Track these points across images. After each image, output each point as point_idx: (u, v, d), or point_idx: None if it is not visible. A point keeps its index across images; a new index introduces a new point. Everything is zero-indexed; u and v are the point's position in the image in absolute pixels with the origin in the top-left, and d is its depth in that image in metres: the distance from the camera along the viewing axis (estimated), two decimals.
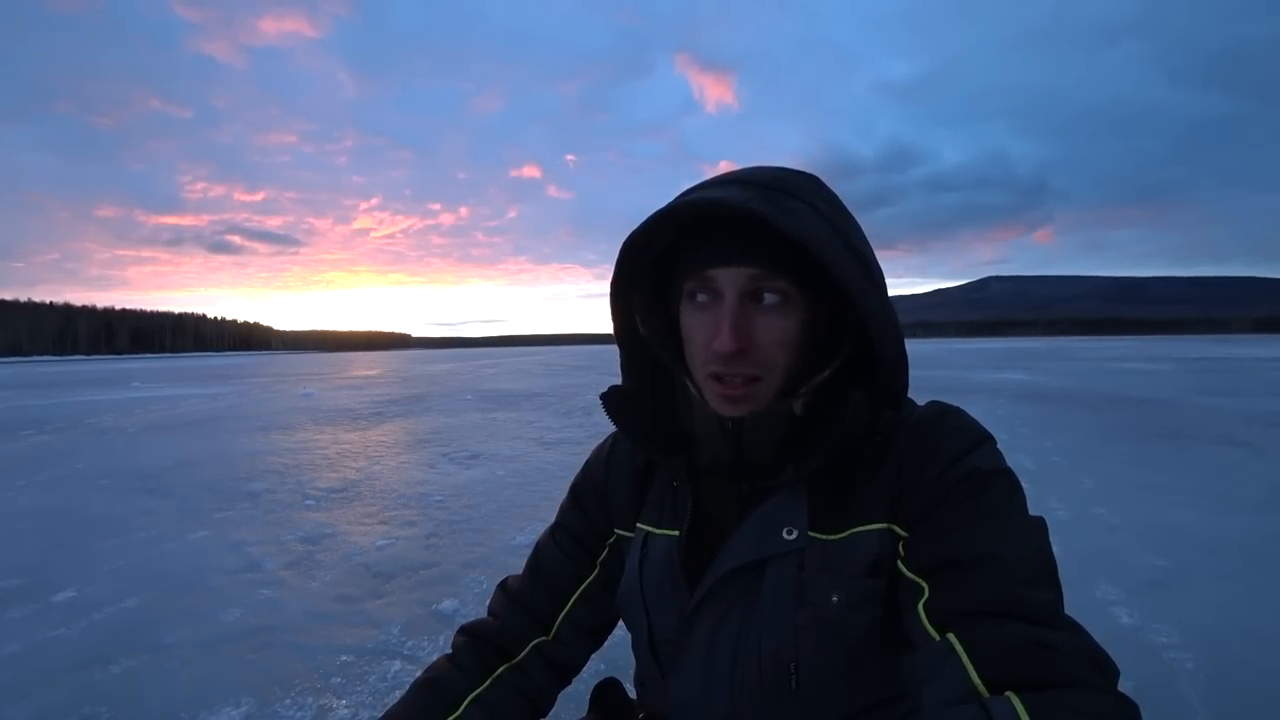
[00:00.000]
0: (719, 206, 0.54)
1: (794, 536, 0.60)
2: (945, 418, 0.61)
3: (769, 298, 0.57)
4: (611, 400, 0.67)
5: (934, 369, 19.96)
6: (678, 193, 0.59)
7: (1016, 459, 5.19)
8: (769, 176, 0.58)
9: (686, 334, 0.61)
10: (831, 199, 0.60)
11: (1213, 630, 2.37)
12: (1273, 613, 2.51)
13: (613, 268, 0.64)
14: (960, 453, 0.58)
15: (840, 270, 0.54)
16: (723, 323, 0.56)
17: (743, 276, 0.56)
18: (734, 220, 0.56)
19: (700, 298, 0.59)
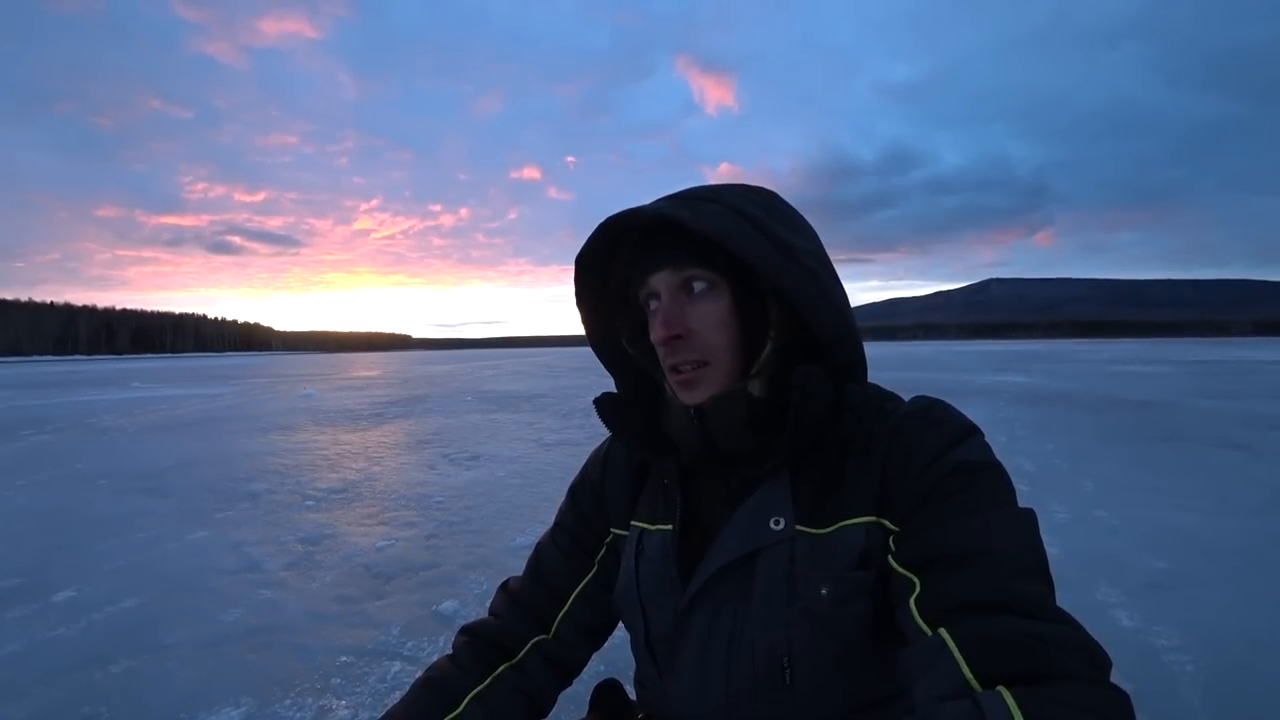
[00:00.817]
0: (632, 217, 0.62)
1: (781, 526, 0.60)
2: (931, 411, 0.62)
3: (697, 286, 0.62)
4: (604, 406, 0.71)
5: (934, 371, 19.95)
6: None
7: (1017, 461, 5.17)
8: (701, 189, 0.64)
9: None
10: (763, 202, 0.64)
11: (1213, 632, 2.37)
12: (1273, 615, 2.51)
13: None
14: (947, 445, 0.58)
15: (745, 251, 0.57)
16: (657, 316, 0.62)
17: (669, 274, 0.63)
18: (660, 231, 0.62)
19: (652, 304, 0.64)
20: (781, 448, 0.60)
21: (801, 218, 0.66)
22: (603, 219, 0.64)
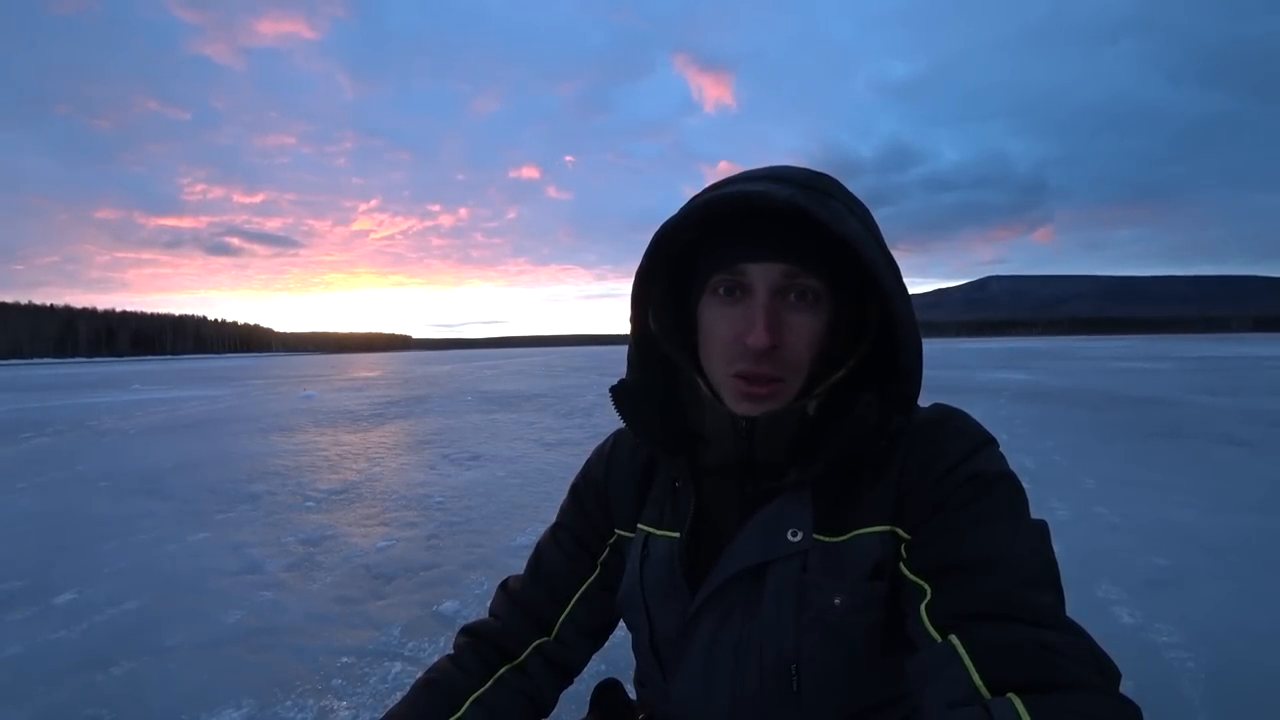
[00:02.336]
0: (762, 200, 0.54)
1: (799, 539, 0.59)
2: (948, 421, 0.61)
3: (800, 296, 0.57)
4: (620, 395, 0.67)
5: (934, 369, 19.90)
6: (682, 193, 0.59)
7: (1017, 458, 5.19)
8: (802, 175, 0.59)
9: (707, 329, 0.61)
10: (858, 200, 0.61)
11: (1214, 629, 2.37)
12: (1273, 611, 2.50)
13: (639, 261, 0.63)
14: (963, 456, 0.57)
15: (878, 271, 0.54)
16: (756, 318, 0.56)
17: (776, 272, 0.57)
18: (768, 216, 0.56)
19: (728, 292, 0.59)
20: (812, 469, 0.58)
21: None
22: (703, 194, 0.57)
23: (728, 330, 0.58)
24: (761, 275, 0.57)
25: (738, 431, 0.60)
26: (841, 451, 0.58)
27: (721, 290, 0.59)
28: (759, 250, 0.57)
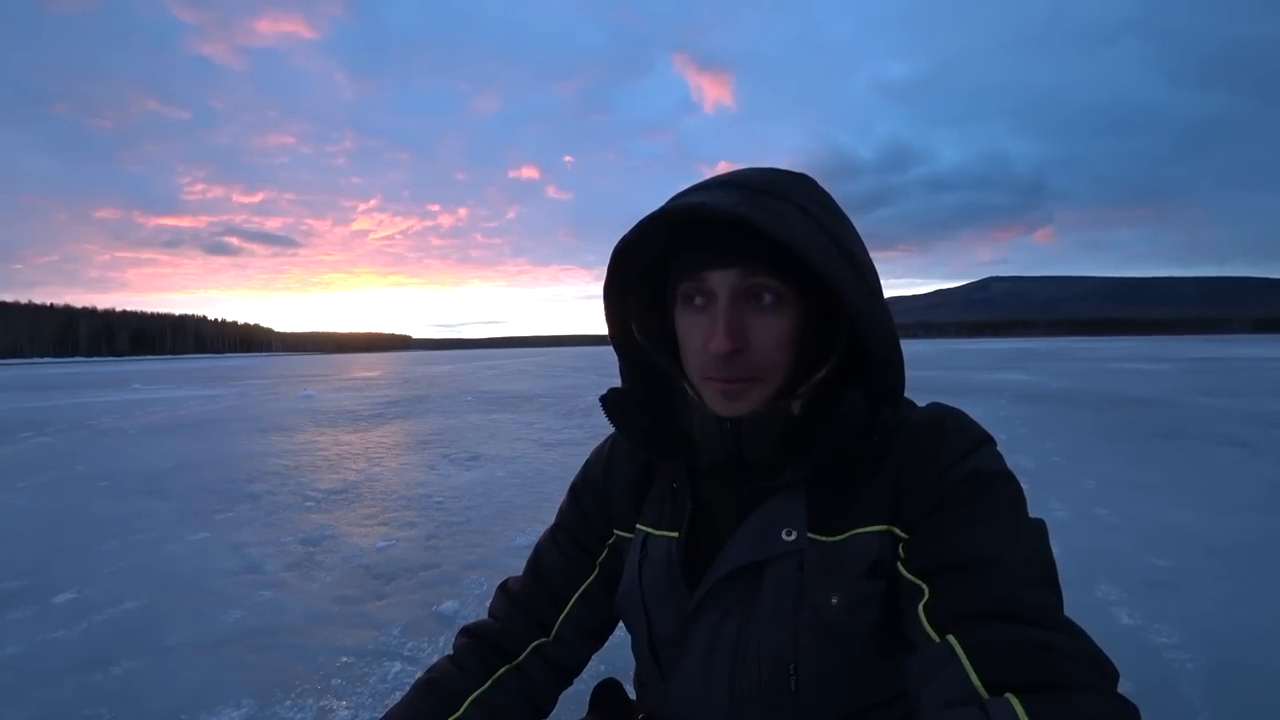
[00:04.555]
0: (707, 211, 0.55)
1: (793, 538, 0.60)
2: (945, 419, 0.61)
3: (762, 298, 0.58)
4: (611, 403, 0.67)
5: (934, 369, 19.96)
6: (671, 196, 0.60)
7: (1017, 459, 5.20)
8: (758, 179, 0.59)
9: (682, 337, 0.62)
10: (823, 200, 0.61)
11: (1213, 630, 2.37)
12: (1273, 612, 2.51)
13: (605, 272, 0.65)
14: (961, 455, 0.57)
15: (826, 270, 0.54)
16: (717, 323, 0.57)
17: (734, 277, 0.57)
18: (724, 222, 0.56)
19: (695, 300, 0.60)
20: (805, 467, 0.58)
21: (845, 215, 0.62)
22: (656, 209, 0.58)
23: (696, 337, 0.59)
24: (721, 281, 0.58)
25: (724, 433, 0.61)
26: (832, 449, 0.58)
27: (688, 298, 0.60)
28: (716, 257, 0.58)
